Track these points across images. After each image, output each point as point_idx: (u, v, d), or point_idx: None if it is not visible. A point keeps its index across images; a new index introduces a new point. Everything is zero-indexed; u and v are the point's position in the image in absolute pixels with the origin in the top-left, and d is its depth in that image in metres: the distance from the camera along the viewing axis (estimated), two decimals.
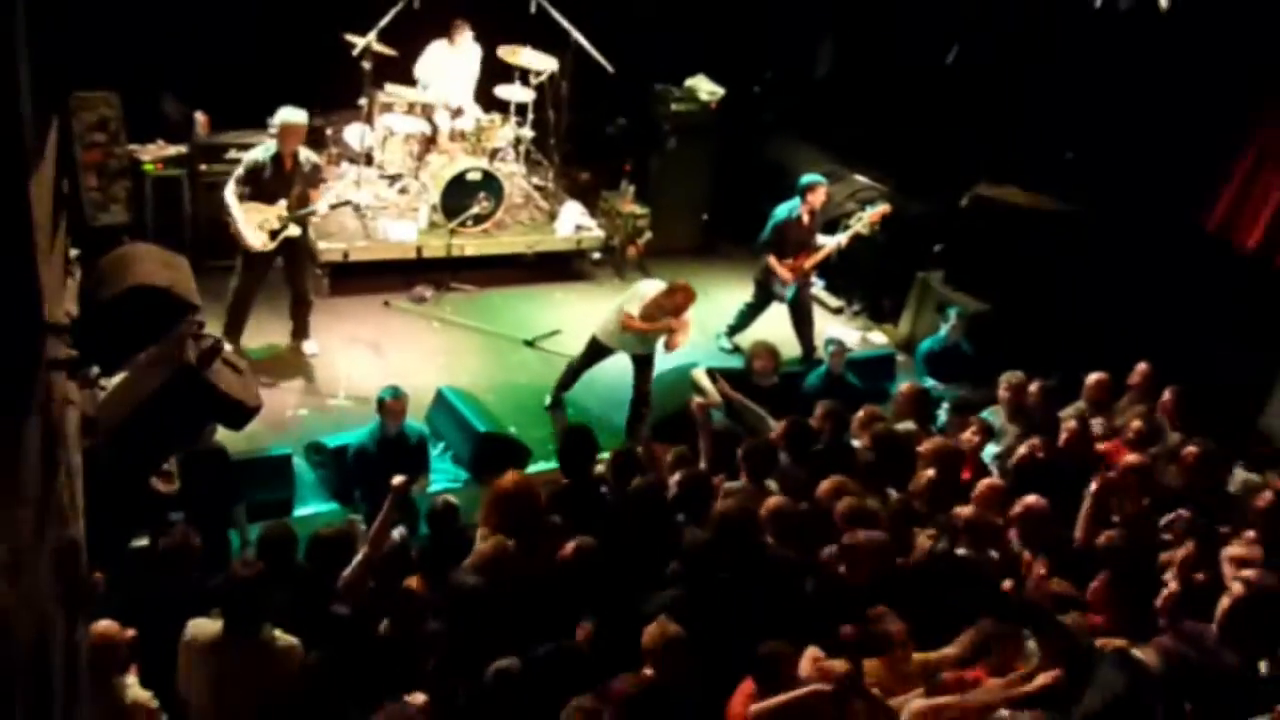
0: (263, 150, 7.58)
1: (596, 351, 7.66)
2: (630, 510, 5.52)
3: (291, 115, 7.49)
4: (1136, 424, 6.75)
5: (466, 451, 7.12)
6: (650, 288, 7.50)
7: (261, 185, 7.51)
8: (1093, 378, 7.38)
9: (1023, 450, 6.41)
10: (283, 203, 7.53)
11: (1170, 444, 6.99)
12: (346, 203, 8.37)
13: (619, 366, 7.74)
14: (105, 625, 4.07)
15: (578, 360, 7.79)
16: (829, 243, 8.65)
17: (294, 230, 7.62)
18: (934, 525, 5.69)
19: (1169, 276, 8.49)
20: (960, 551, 5.43)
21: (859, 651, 4.49)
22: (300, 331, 8.11)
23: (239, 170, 7.56)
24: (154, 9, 8.59)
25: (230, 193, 7.46)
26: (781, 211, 8.58)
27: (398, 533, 5.37)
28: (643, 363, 7.59)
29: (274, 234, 7.54)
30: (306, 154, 7.68)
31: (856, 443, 6.44)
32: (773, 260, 8.56)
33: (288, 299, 8.04)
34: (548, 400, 7.96)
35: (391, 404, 6.32)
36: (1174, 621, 4.98)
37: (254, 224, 7.45)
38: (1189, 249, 8.59)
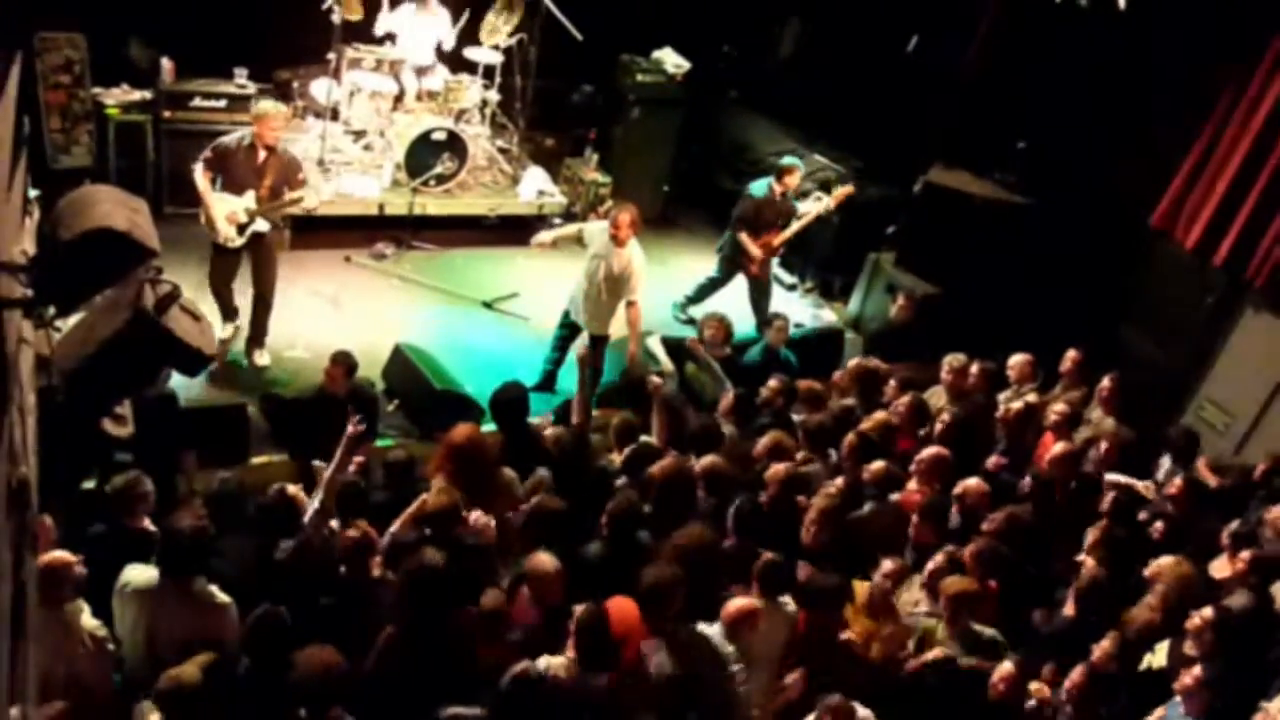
0: (235, 137, 7.22)
1: (570, 329, 7.71)
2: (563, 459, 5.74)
3: (267, 104, 7.27)
4: (1060, 407, 6.96)
5: (421, 407, 7.21)
6: (598, 226, 7.55)
7: (230, 173, 7.14)
8: (1017, 358, 7.57)
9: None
10: (251, 194, 7.16)
11: (1105, 429, 7.23)
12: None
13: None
14: (55, 554, 4.12)
15: (555, 344, 7.78)
16: (800, 218, 8.76)
17: (262, 225, 7.25)
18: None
19: (1111, 267, 8.74)
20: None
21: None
22: (256, 338, 7.61)
23: (206, 152, 7.18)
24: None
25: (200, 176, 7.09)
26: (757, 189, 8.71)
27: (353, 467, 5.47)
28: (597, 344, 7.67)
29: (241, 228, 7.20)
30: (285, 147, 7.34)
31: (797, 417, 6.63)
32: (745, 237, 8.68)
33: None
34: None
35: (331, 368, 6.39)
36: None
37: (222, 215, 7.11)
38: (1131, 242, 8.84)
